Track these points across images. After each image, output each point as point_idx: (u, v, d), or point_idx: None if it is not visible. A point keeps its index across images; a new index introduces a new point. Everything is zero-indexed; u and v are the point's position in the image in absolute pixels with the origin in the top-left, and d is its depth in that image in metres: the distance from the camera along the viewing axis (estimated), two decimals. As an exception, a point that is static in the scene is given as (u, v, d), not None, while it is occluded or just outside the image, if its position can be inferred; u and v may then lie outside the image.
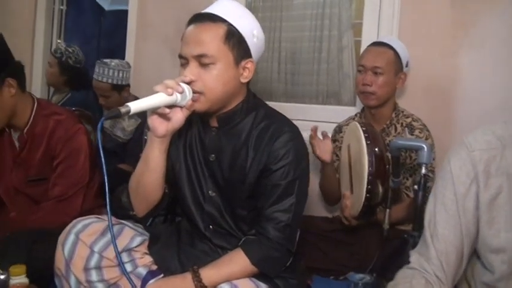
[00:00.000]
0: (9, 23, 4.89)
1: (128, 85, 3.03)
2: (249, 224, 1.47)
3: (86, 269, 1.40)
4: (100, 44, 5.69)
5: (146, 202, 1.49)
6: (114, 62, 2.96)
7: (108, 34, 5.70)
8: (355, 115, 2.35)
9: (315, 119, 2.71)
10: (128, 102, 3.02)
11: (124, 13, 4.79)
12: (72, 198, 1.89)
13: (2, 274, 1.20)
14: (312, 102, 2.97)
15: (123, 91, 2.99)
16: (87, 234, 1.43)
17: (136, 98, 3.11)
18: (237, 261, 1.38)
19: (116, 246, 1.26)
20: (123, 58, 3.36)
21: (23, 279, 1.35)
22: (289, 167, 1.39)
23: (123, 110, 1.18)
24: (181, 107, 1.33)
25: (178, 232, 1.60)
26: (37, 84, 4.52)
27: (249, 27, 1.40)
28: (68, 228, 1.46)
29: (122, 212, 2.20)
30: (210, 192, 1.48)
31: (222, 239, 1.50)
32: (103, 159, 1.20)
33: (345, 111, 2.62)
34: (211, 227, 1.50)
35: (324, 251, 2.04)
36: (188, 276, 1.35)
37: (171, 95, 1.26)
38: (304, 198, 1.46)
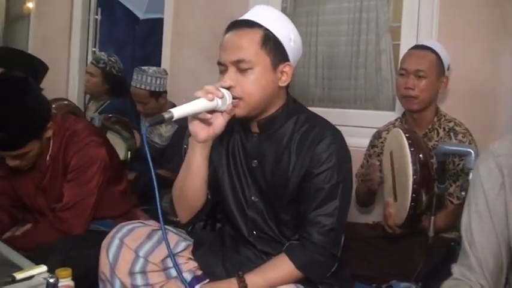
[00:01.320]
0: (46, 33, 5.02)
1: (165, 92, 3.06)
2: (293, 230, 1.45)
3: (131, 273, 1.41)
4: (134, 52, 5.77)
5: (189, 208, 1.50)
6: (152, 69, 2.99)
7: (142, 42, 5.78)
8: (396, 120, 2.31)
9: (353, 124, 2.69)
10: (164, 109, 3.09)
11: (157, 21, 4.87)
12: (74, 207, 1.84)
13: (51, 277, 1.21)
14: (349, 107, 2.94)
15: (160, 97, 3.03)
16: (132, 238, 1.44)
17: (173, 105, 3.18)
18: (282, 266, 1.37)
19: (170, 249, 1.25)
20: (157, 66, 3.39)
21: (68, 282, 1.35)
22: (332, 171, 1.38)
23: (166, 116, 1.20)
24: (221, 112, 1.33)
25: (221, 238, 1.60)
26: (73, 92, 4.62)
27: (286, 31, 1.40)
28: (112, 232, 1.47)
29: (162, 216, 2.21)
30: (253, 197, 1.48)
31: (266, 244, 1.48)
32: (151, 165, 1.21)
33: (383, 116, 2.57)
34: (254, 232, 1.49)
35: (366, 257, 2.00)
36: (234, 282, 1.35)
37: (212, 100, 1.27)
38: (347, 202, 1.45)
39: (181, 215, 1.51)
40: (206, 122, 1.34)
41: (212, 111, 1.31)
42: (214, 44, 3.46)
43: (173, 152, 2.98)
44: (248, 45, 1.34)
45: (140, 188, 2.57)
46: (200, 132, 1.35)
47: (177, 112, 1.21)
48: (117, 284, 1.41)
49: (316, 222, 1.37)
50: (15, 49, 2.74)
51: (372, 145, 2.31)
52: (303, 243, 1.38)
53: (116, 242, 1.43)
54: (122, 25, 5.79)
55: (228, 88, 1.33)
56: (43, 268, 1.26)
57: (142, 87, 2.96)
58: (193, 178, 1.43)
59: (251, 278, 1.35)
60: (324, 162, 1.38)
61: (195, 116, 1.32)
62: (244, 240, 1.51)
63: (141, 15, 5.45)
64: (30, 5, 5.52)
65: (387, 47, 2.83)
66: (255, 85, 1.35)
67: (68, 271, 1.36)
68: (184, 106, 1.24)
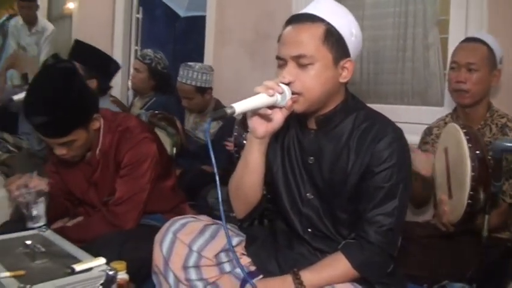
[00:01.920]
0: (89, 32, 5.13)
1: (211, 88, 3.09)
2: (348, 228, 1.43)
3: (185, 267, 1.41)
4: (175, 50, 5.84)
5: (246, 203, 1.50)
6: (198, 65, 3.04)
7: (182, 40, 5.84)
8: (446, 116, 2.24)
9: (400, 120, 2.56)
10: (209, 105, 3.10)
11: (198, 19, 4.90)
12: (127, 202, 1.87)
13: (110, 270, 1.23)
14: (396, 103, 2.88)
15: (205, 93, 3.06)
16: (185, 233, 1.44)
17: (217, 101, 3.19)
18: (338, 265, 1.35)
19: (231, 244, 1.25)
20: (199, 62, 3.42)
21: (124, 275, 1.37)
22: (392, 170, 1.35)
23: (228, 110, 1.19)
24: (280, 108, 1.32)
25: (273, 233, 1.59)
26: (117, 88, 4.69)
27: (348, 26, 1.36)
28: (165, 227, 1.48)
29: (209, 212, 2.23)
30: (308, 195, 1.46)
31: (321, 242, 1.47)
32: (213, 159, 1.21)
33: (432, 112, 2.52)
34: (309, 230, 1.47)
35: (417, 257, 1.95)
36: (288, 279, 1.34)
37: (272, 95, 1.26)
38: (407, 202, 1.41)
39: (237, 210, 1.51)
40: (265, 118, 1.33)
41: (271, 107, 1.30)
42: (258, 40, 3.48)
43: (218, 148, 2.99)
44: (309, 41, 1.32)
45: (186, 184, 2.59)
46: (259, 127, 1.35)
47: (239, 107, 1.21)
48: (171, 277, 1.41)
49: (374, 221, 1.35)
50: (89, 45, 2.80)
51: (423, 142, 2.26)
52: (360, 242, 1.36)
53: (170, 236, 1.44)
54: (162, 23, 5.87)
55: (287, 83, 1.31)
56: (102, 260, 1.28)
57: (188, 82, 3.00)
58: (250, 174, 1.43)
59: (306, 276, 1.33)
60: (385, 161, 1.35)
61: (255, 112, 1.32)
62: (298, 236, 1.50)
63: (182, 13, 5.52)
64: (70, 5, 5.66)
65: (435, 41, 2.77)
66: (315, 81, 1.33)
67: (122, 264, 1.38)
68: (245, 101, 1.24)
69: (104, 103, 2.39)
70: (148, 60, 3.38)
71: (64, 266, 1.28)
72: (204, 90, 3.04)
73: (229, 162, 3.07)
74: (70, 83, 1.71)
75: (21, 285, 1.16)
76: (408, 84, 2.86)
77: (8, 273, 1.23)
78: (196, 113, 3.20)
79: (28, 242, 1.41)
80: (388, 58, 2.92)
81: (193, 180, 2.77)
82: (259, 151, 1.41)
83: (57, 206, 1.96)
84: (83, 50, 2.66)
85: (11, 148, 3.34)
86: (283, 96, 1.29)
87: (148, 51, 3.43)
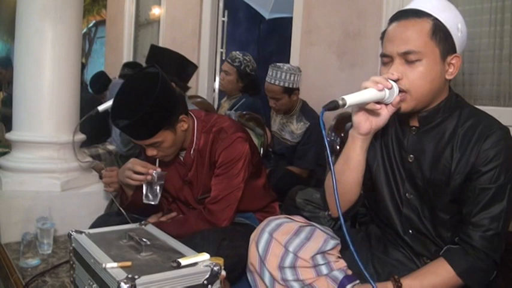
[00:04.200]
0: (176, 36, 5.32)
1: (298, 89, 3.10)
2: (450, 230, 1.38)
3: (281, 267, 1.41)
4: (259, 51, 5.90)
5: (344, 201, 1.47)
6: (286, 66, 3.06)
7: (267, 41, 5.89)
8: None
9: None
10: (296, 105, 3.09)
11: (282, 20, 4.92)
12: (223, 201, 1.90)
13: (215, 266, 1.26)
14: (492, 104, 2.72)
15: (293, 94, 3.07)
16: (281, 233, 1.44)
17: (304, 102, 3.19)
18: (441, 272, 1.31)
19: (352, 245, 1.20)
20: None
21: (222, 272, 1.40)
22: (500, 169, 1.28)
23: (340, 102, 1.19)
24: (386, 105, 1.30)
25: (368, 238, 1.57)
26: (203, 90, 4.82)
27: (454, 21, 1.32)
28: (261, 226, 1.49)
29: (297, 212, 2.23)
30: (407, 194, 1.43)
31: (421, 245, 1.43)
32: (329, 154, 1.20)
33: (529, 114, 2.37)
34: (410, 231, 1.44)
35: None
36: (389, 286, 1.31)
37: (381, 90, 1.24)
38: None
39: (333, 208, 1.50)
40: (371, 113, 1.32)
41: (378, 103, 1.28)
42: (346, 40, 3.44)
43: (304, 149, 3.00)
44: (417, 36, 1.29)
45: (272, 184, 2.61)
46: (364, 123, 1.34)
47: (350, 99, 1.20)
48: (267, 276, 1.43)
49: (479, 225, 1.29)
50: (165, 48, 2.91)
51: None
52: (464, 247, 1.31)
53: (265, 235, 1.45)
54: (247, 25, 5.95)
55: (395, 80, 1.29)
56: (206, 256, 1.31)
57: (277, 83, 3.03)
58: (351, 171, 1.42)
59: (408, 283, 1.31)
60: (492, 160, 1.29)
61: (362, 107, 1.31)
62: (395, 240, 1.47)
63: (267, 15, 5.56)
64: (156, 11, 5.89)
65: (534, 38, 2.60)
66: (423, 77, 1.30)
67: (220, 261, 1.41)
68: (355, 94, 1.23)
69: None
70: (238, 63, 3.44)
71: (169, 259, 1.32)
72: (291, 91, 3.05)
73: (316, 163, 3.07)
74: (153, 86, 1.76)
75: (130, 275, 1.20)
76: (505, 85, 2.69)
77: (115, 264, 1.28)
78: (283, 114, 3.22)
79: (133, 234, 1.46)
80: (483, 57, 2.76)
81: (280, 181, 2.79)
82: (362, 148, 1.39)
83: None
84: (158, 54, 2.75)
85: (101, 151, 3.55)
86: (391, 92, 1.27)
87: (238, 54, 3.49)
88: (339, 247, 1.50)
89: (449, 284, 1.30)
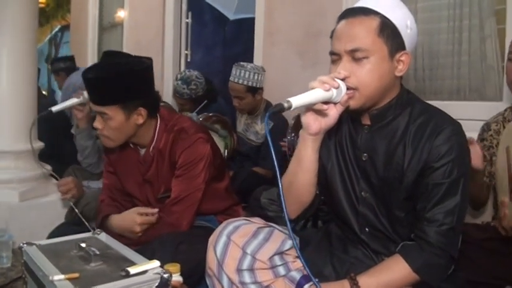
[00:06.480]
0: (140, 39, 5.25)
1: (262, 88, 3.10)
2: (406, 227, 1.38)
3: (239, 270, 1.39)
4: (224, 52, 5.87)
5: (299, 203, 1.47)
6: (250, 65, 3.07)
7: (232, 42, 5.86)
8: (505, 110, 2.12)
9: (456, 117, 2.48)
10: (260, 105, 3.10)
11: (246, 21, 4.90)
12: (183, 201, 1.89)
13: (165, 273, 1.23)
14: (452, 99, 2.78)
15: (256, 94, 3.07)
16: (239, 235, 1.42)
17: (268, 102, 3.19)
18: (397, 268, 1.30)
19: (297, 245, 1.21)
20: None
21: (178, 278, 1.37)
22: (452, 165, 1.29)
23: (285, 104, 1.18)
24: (335, 104, 1.30)
25: (328, 237, 1.56)
26: (168, 93, 4.76)
27: (403, 18, 1.33)
28: (218, 229, 1.47)
29: (261, 212, 2.22)
30: (363, 193, 1.42)
31: (379, 243, 1.42)
32: (273, 155, 1.18)
33: (490, 107, 2.39)
34: (367, 229, 1.43)
35: (476, 261, 1.85)
36: (346, 284, 1.31)
37: (328, 90, 1.24)
38: (467, 199, 1.35)
39: (289, 209, 1.46)
40: (320, 113, 1.31)
41: (326, 103, 1.28)
42: (307, 39, 3.45)
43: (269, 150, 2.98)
44: (364, 34, 1.29)
45: (237, 185, 2.60)
46: (313, 124, 1.33)
47: (296, 101, 1.20)
48: (225, 280, 1.40)
49: (434, 220, 1.29)
50: (119, 52, 2.86)
51: (480, 138, 2.15)
52: (419, 243, 1.31)
53: (223, 238, 1.42)
54: (212, 27, 5.91)
55: (342, 79, 1.28)
56: (156, 263, 1.28)
57: (240, 82, 3.02)
58: (303, 172, 1.42)
59: (364, 280, 1.30)
60: (444, 156, 1.29)
61: (310, 107, 1.30)
62: (354, 239, 1.46)
63: (231, 16, 5.54)
64: (121, 14, 5.81)
65: (492, 32, 2.64)
66: (371, 75, 1.29)
67: (176, 266, 1.38)
68: (301, 96, 1.22)
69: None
70: (187, 96, 3.43)
71: (119, 268, 1.28)
72: (255, 90, 3.05)
73: (282, 163, 3.06)
74: (130, 64, 1.86)
75: (77, 287, 1.17)
76: (465, 78, 2.74)
77: (62, 276, 1.23)
78: (247, 115, 3.20)
79: (83, 245, 1.42)
80: (443, 52, 2.81)
81: (245, 182, 2.78)
82: (313, 149, 1.39)
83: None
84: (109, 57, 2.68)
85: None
86: (338, 91, 1.26)
87: (182, 87, 3.44)
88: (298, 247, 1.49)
89: (406, 280, 1.30)
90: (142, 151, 2.00)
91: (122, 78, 1.82)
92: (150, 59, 2.04)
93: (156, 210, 1.88)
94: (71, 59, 4.97)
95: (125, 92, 1.82)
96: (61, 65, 4.81)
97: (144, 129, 1.93)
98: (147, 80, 1.93)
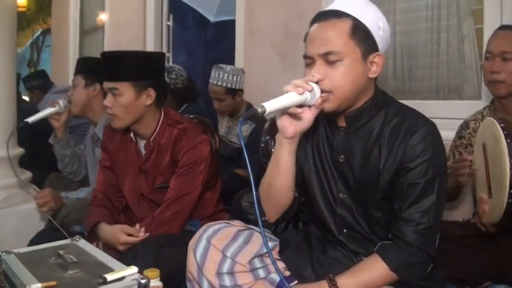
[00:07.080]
0: (121, 41, 5.21)
1: (242, 90, 3.09)
2: (384, 227, 1.39)
3: (219, 274, 1.39)
4: (206, 54, 5.87)
5: (277, 206, 1.48)
6: (229, 67, 3.06)
7: (213, 45, 5.86)
8: (484, 109, 2.16)
9: (436, 116, 2.48)
10: (240, 107, 3.09)
11: (228, 23, 4.89)
12: (179, 202, 1.92)
13: (142, 279, 1.23)
14: (431, 98, 2.80)
15: (236, 95, 3.07)
16: (218, 239, 1.42)
17: (249, 104, 3.18)
18: (375, 268, 1.31)
19: (268, 248, 1.23)
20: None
21: (157, 283, 1.37)
22: (427, 164, 1.30)
23: (259, 109, 1.19)
24: (309, 107, 1.31)
25: (307, 238, 1.56)
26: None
27: (375, 20, 1.34)
28: (198, 233, 1.47)
29: (242, 215, 2.22)
30: (340, 194, 1.43)
31: (357, 243, 1.43)
32: (247, 159, 1.21)
33: (469, 106, 2.42)
34: (345, 230, 1.44)
35: (456, 258, 1.88)
36: (324, 285, 1.31)
37: (302, 94, 1.25)
38: (444, 198, 1.36)
39: (269, 213, 1.49)
40: (295, 117, 1.32)
41: (301, 106, 1.29)
42: (288, 41, 3.45)
43: (251, 152, 2.97)
44: (337, 36, 1.30)
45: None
46: (288, 127, 1.34)
47: (269, 106, 1.20)
48: (205, 284, 1.40)
49: (410, 220, 1.31)
50: (93, 58, 2.83)
51: (459, 136, 2.18)
52: (397, 243, 1.32)
53: (203, 242, 1.42)
54: (193, 29, 5.90)
55: (316, 82, 1.29)
56: (134, 269, 1.28)
57: (219, 83, 3.01)
58: (281, 175, 1.42)
59: (343, 281, 1.30)
60: (419, 156, 1.31)
61: (285, 111, 1.31)
62: (333, 240, 1.47)
63: (212, 18, 5.55)
64: (103, 17, 5.76)
65: (470, 32, 2.67)
66: (344, 77, 1.30)
67: (155, 272, 1.37)
68: (275, 100, 1.23)
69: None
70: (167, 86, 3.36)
71: (96, 275, 1.27)
72: (234, 92, 3.05)
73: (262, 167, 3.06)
74: (147, 53, 2.04)
75: (55, 295, 1.16)
76: (444, 78, 2.77)
77: (39, 285, 1.23)
78: (229, 117, 3.20)
79: (60, 252, 1.41)
80: (421, 53, 2.83)
81: (227, 184, 2.76)
82: (289, 152, 1.39)
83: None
84: (86, 63, 2.62)
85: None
86: (312, 94, 1.27)
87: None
88: (277, 248, 1.50)
89: (385, 279, 1.31)
90: (142, 143, 2.03)
91: (137, 57, 1.97)
92: (163, 54, 2.17)
93: (142, 230, 1.88)
94: (42, 75, 4.91)
95: (139, 70, 1.92)
96: (34, 83, 4.72)
97: (149, 117, 1.98)
98: (160, 64, 2.05)
